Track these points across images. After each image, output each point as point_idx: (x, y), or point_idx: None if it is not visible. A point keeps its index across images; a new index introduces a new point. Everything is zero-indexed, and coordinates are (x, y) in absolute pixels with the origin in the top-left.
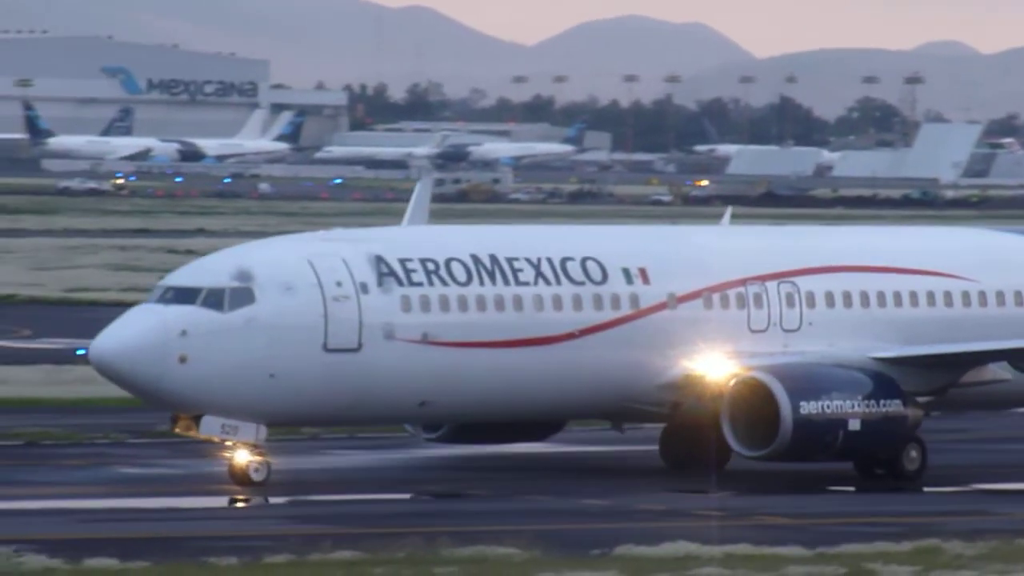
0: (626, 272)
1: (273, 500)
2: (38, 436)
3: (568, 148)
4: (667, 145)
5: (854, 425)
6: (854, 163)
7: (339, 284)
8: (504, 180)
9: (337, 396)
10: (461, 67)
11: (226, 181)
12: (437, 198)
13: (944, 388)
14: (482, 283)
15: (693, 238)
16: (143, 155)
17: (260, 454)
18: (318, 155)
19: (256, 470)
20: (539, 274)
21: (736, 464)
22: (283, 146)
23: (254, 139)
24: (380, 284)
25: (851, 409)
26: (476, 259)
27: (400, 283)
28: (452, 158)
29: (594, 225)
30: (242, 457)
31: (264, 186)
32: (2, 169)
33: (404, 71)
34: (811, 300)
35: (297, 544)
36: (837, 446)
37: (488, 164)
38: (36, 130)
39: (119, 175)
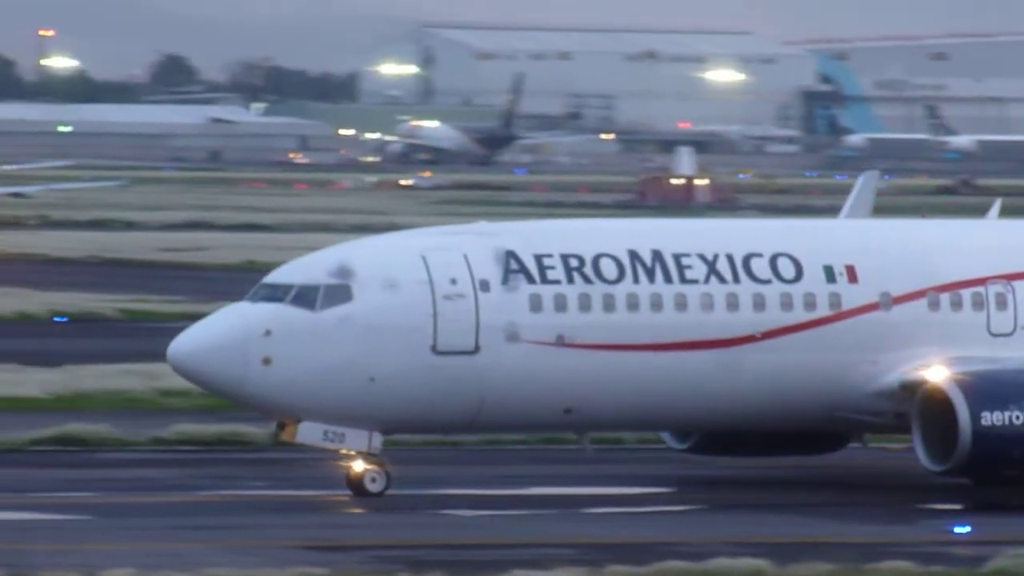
0: (828, 270)
1: None
2: None
3: None
4: None
5: None
6: None
7: (454, 281)
8: None
9: (454, 401)
10: None
11: None
12: None
13: None
14: (636, 280)
15: (922, 234)
16: None
17: (377, 463)
18: None
19: (373, 480)
20: (713, 272)
21: None
22: None
23: None
24: (505, 281)
25: None
26: (634, 255)
27: (531, 280)
28: None
29: (806, 219)
30: (358, 466)
31: None
32: None
33: None
34: None
35: None
36: None
37: None
38: None
39: None
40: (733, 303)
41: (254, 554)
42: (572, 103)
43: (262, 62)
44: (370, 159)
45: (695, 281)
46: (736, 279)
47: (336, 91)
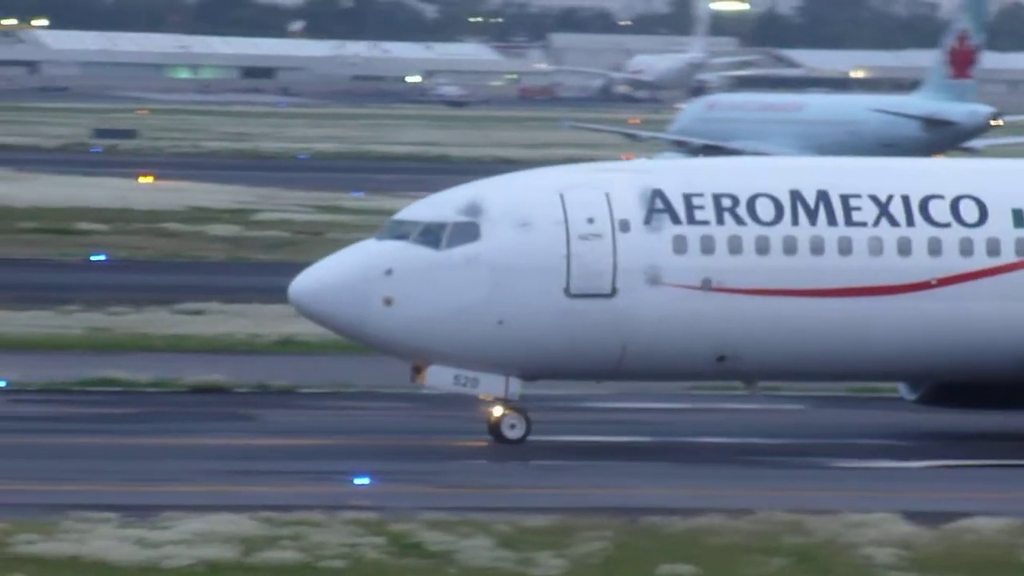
0: (1018, 213)
1: None
2: None
3: None
4: None
5: None
6: None
7: (591, 221)
8: None
9: (592, 347)
10: None
11: None
12: None
13: None
14: (795, 222)
15: None
16: None
17: (515, 409)
18: None
19: (512, 427)
20: (884, 214)
21: None
22: None
23: None
24: (648, 222)
25: None
26: (796, 195)
27: (676, 221)
28: None
29: (991, 159)
30: (496, 411)
31: None
32: None
33: None
34: None
35: None
36: None
37: None
38: None
39: None
40: (905, 248)
41: None
42: None
43: None
44: None
45: (862, 224)
46: (910, 222)
47: None
